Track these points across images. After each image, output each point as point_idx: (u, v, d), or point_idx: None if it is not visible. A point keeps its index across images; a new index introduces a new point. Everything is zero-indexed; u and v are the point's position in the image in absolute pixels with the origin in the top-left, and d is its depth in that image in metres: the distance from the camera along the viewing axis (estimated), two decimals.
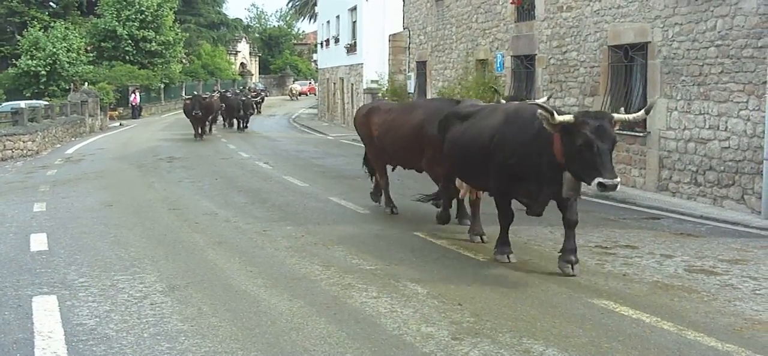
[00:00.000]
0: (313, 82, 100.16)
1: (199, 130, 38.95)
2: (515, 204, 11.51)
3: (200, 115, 38.66)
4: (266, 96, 71.64)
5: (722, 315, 8.73)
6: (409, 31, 37.66)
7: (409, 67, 37.96)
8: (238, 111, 44.99)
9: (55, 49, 58.79)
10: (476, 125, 11.85)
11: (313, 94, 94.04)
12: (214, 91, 48.81)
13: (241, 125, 45.55)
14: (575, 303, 9.25)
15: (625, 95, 19.95)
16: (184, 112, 40.60)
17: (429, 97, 34.40)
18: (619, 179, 9.74)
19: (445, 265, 11.34)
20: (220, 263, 11.51)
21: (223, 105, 44.06)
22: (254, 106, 47.17)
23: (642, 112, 10.66)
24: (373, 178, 17.03)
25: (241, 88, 58.05)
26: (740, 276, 10.56)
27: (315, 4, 75.05)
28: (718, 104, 16.47)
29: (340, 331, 8.15)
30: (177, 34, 72.33)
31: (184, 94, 65.10)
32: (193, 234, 13.97)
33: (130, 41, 67.06)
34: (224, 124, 46.66)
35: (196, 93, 46.85)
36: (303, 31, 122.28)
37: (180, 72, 75.95)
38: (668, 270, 10.96)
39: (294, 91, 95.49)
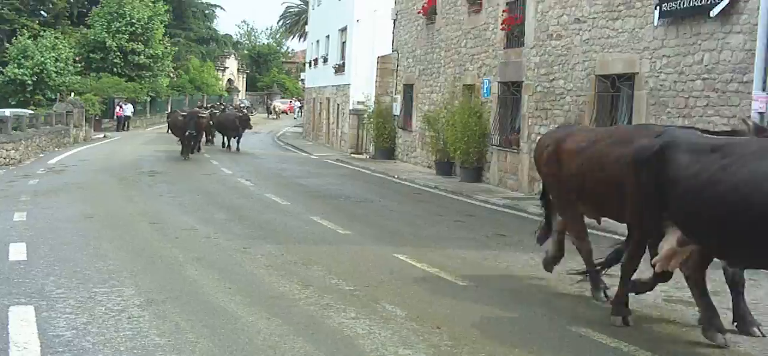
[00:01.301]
0: (291, 101, 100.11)
1: (188, 149, 36.13)
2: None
3: (194, 134, 36.09)
4: (253, 113, 71.17)
5: (700, 346, 8.72)
6: (398, 53, 37.69)
7: (396, 90, 37.98)
8: (235, 129, 41.95)
9: (43, 59, 58.60)
10: (753, 166, 7.67)
11: (291, 113, 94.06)
12: (201, 106, 47.54)
13: (235, 144, 42.20)
14: (554, 329, 9.23)
15: (611, 125, 19.98)
16: (172, 129, 37.83)
17: (415, 119, 34.42)
18: None
19: (424, 288, 11.31)
20: (198, 279, 11.46)
21: (211, 122, 41.34)
22: (248, 122, 43.55)
23: None
24: (548, 223, 12.17)
25: (224, 105, 56.69)
26: (719, 308, 10.54)
27: (305, 23, 75.24)
28: None
29: (318, 351, 8.11)
30: (166, 48, 72.23)
31: (170, 108, 64.90)
32: (172, 249, 13.91)
33: (118, 53, 66.92)
34: (207, 142, 43.51)
35: (183, 108, 45.04)
36: (292, 50, 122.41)
37: (167, 86, 75.84)
38: (647, 299, 10.94)
39: (277, 109, 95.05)
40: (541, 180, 12.43)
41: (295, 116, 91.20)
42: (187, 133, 35.23)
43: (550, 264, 11.88)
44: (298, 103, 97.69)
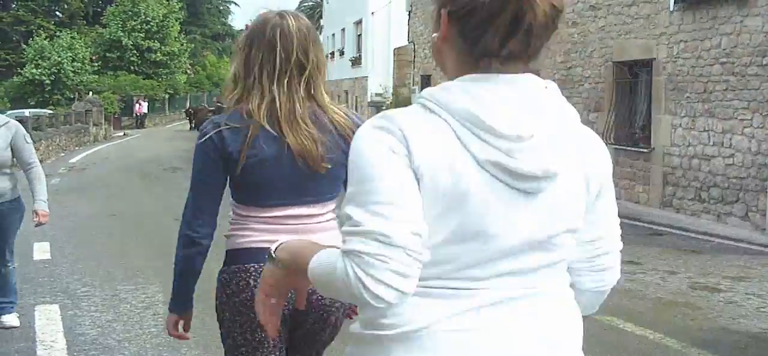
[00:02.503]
0: None
1: None
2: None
3: None
4: None
5: (727, 333, 8.69)
6: (414, 44, 37.66)
7: (413, 81, 37.95)
8: None
9: (60, 58, 58.89)
10: None
11: None
12: (219, 103, 47.27)
13: None
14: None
15: (630, 112, 19.94)
16: (199, 126, 37.16)
17: None
18: None
19: None
20: None
21: None
22: None
23: None
24: None
25: None
26: (744, 294, 10.52)
27: (320, 17, 75.08)
28: (723, 121, 16.45)
29: (345, 346, 8.09)
30: (182, 45, 72.40)
31: (188, 105, 64.96)
32: None
33: (135, 51, 67.17)
34: None
35: (210, 105, 44.42)
36: None
37: (184, 82, 75.99)
38: (672, 286, 10.93)
39: None
40: None
41: None
42: None
43: None
44: None
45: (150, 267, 11.94)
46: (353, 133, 2.76)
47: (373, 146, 2.03)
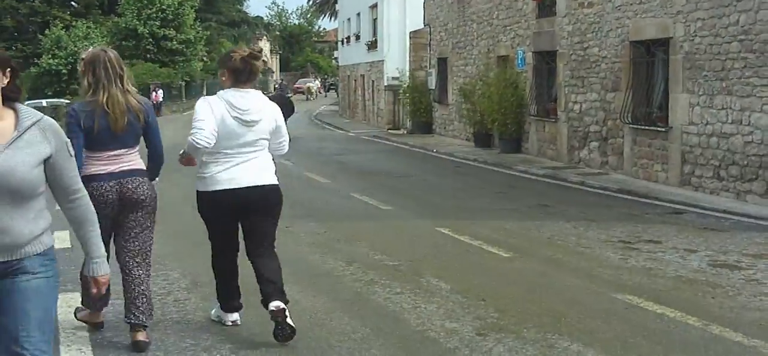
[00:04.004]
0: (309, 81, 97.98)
1: None
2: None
3: None
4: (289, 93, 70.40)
5: (748, 310, 8.68)
6: (430, 27, 37.62)
7: (430, 64, 37.93)
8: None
9: (76, 48, 59.01)
10: None
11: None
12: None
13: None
14: (599, 298, 9.22)
15: (647, 91, 19.89)
16: None
17: (450, 92, 34.34)
18: None
19: (468, 261, 11.33)
20: (242, 259, 11.49)
21: None
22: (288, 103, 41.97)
23: None
24: None
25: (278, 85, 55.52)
26: (765, 271, 10.50)
27: (335, 2, 74.94)
28: (741, 99, 16.37)
29: (364, 327, 8.13)
30: (198, 33, 72.45)
31: (205, 93, 64.97)
32: None
33: (151, 40, 67.25)
34: None
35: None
36: (324, 29, 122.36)
37: (201, 70, 76.12)
38: (692, 264, 10.91)
39: (312, 89, 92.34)
40: None
41: (307, 97, 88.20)
42: None
43: None
44: (317, 82, 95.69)
45: (170, 253, 11.99)
46: (142, 111, 7.49)
47: (201, 105, 7.58)
